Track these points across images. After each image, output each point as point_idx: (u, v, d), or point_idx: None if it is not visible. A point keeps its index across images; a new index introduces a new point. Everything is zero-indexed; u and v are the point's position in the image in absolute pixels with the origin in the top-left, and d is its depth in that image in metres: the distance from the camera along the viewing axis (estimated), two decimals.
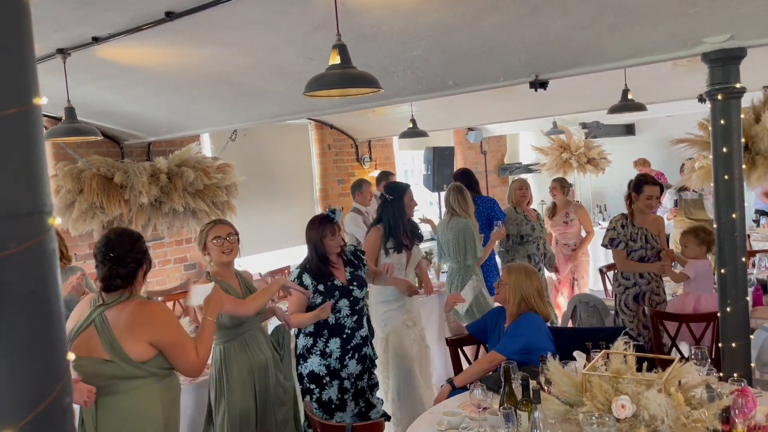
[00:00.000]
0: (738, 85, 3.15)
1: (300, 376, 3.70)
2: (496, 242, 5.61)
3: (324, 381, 3.62)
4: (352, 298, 3.67)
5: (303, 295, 3.57)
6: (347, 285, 3.67)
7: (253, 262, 6.56)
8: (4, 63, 0.64)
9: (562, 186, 6.44)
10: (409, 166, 9.55)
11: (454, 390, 3.31)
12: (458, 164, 9.18)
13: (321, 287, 3.61)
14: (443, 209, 5.59)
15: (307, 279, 3.62)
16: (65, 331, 0.74)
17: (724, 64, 3.12)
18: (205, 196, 5.52)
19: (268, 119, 4.84)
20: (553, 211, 6.49)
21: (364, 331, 3.77)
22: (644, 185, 4.51)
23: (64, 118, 3.57)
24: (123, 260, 2.53)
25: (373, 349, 3.88)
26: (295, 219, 7.34)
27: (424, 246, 5.16)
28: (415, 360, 4.37)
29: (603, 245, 4.71)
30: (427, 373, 4.56)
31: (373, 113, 6.74)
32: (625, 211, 4.68)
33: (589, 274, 6.66)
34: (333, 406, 3.62)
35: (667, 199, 7.42)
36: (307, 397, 3.62)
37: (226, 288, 3.31)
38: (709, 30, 3.00)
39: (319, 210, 7.66)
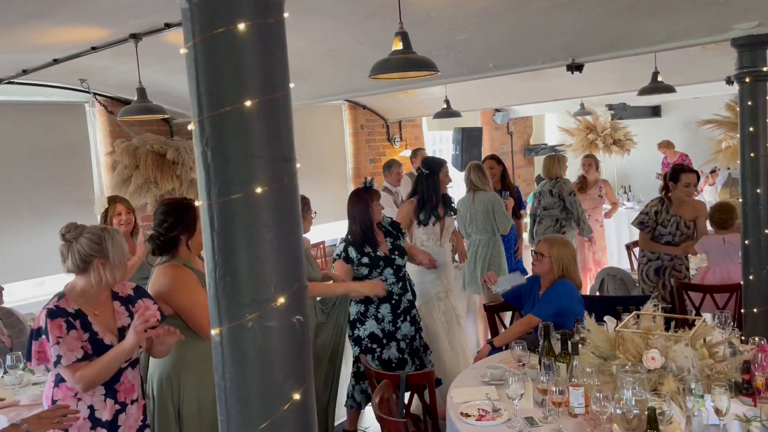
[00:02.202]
0: (765, 69, 3.38)
1: (358, 339, 3.97)
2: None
3: (383, 341, 3.93)
4: (395, 267, 3.96)
5: (349, 267, 3.85)
6: (389, 255, 3.95)
7: None
8: (275, 64, 0.97)
9: (596, 162, 6.80)
10: (438, 146, 9.78)
11: (493, 350, 3.61)
12: (485, 145, 9.40)
13: (365, 259, 3.88)
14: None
15: (352, 252, 3.90)
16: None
17: (752, 49, 3.35)
18: None
19: (315, 99, 5.12)
20: (584, 186, 6.73)
21: (409, 295, 4.07)
22: (681, 174, 4.64)
23: (136, 97, 3.87)
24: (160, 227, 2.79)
25: (418, 312, 4.18)
26: (330, 196, 7.64)
27: None
28: (441, 332, 4.56)
29: (633, 224, 5.00)
30: (460, 340, 4.83)
31: (405, 94, 6.97)
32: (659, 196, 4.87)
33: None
34: (393, 365, 3.93)
35: (719, 180, 7.76)
36: (369, 356, 3.90)
37: None
38: (738, 17, 3.22)
39: (352, 187, 7.94)
